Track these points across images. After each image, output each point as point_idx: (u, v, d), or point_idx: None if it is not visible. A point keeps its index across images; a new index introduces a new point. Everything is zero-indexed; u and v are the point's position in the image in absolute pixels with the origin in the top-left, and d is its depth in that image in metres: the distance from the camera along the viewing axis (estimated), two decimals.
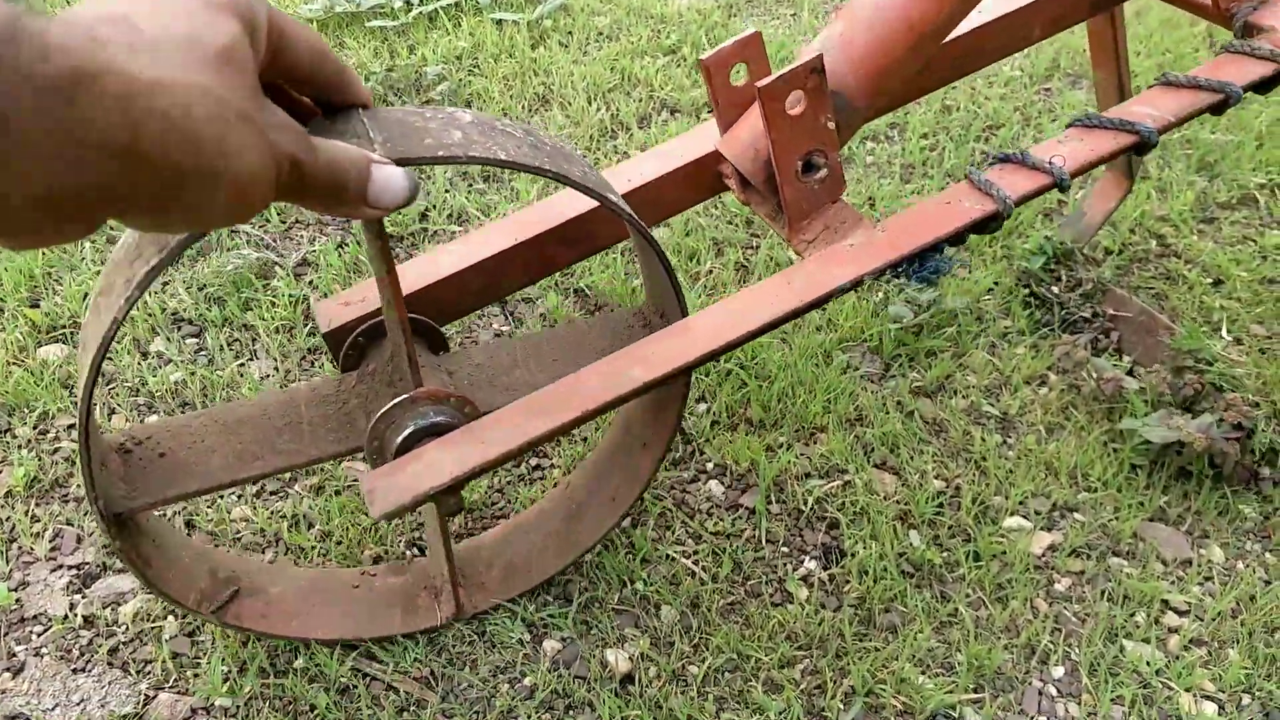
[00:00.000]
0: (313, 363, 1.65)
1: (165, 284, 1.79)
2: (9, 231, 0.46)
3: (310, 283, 1.78)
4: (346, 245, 1.85)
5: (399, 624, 1.27)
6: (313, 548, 1.39)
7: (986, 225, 1.05)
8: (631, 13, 2.66)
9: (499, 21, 2.59)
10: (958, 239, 1.04)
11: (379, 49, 2.47)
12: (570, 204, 1.14)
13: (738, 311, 1.01)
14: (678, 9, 2.69)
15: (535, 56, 2.44)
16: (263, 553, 1.40)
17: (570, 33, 2.56)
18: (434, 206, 1.96)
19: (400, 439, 0.96)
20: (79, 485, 1.45)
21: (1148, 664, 1.30)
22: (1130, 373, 1.66)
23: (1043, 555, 1.43)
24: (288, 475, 1.48)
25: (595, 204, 1.12)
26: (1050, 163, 1.06)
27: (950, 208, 1.05)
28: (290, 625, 1.22)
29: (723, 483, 1.50)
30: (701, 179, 1.19)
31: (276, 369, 1.63)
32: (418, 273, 1.09)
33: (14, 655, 1.27)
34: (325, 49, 0.68)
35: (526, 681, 1.26)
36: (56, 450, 1.51)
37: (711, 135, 1.18)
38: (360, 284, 1.11)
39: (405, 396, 0.97)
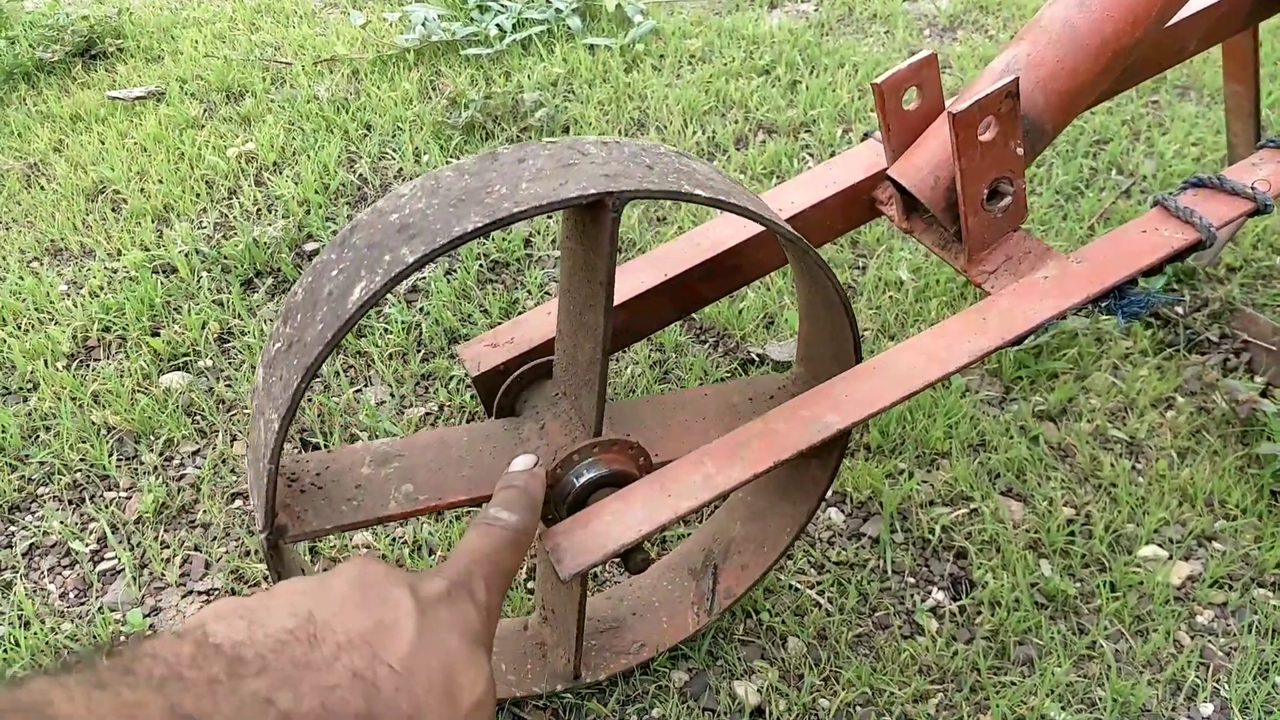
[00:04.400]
0: (426, 389, 1.66)
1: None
2: None
3: (421, 309, 1.80)
4: (455, 272, 1.87)
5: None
6: None
7: (1186, 254, 1.01)
8: (723, 34, 2.66)
9: (591, 47, 2.60)
10: (1155, 270, 1.00)
11: (475, 76, 2.50)
12: (718, 236, 1.12)
13: (932, 350, 0.96)
14: (769, 29, 2.68)
15: (629, 81, 2.45)
16: None
17: (663, 56, 2.57)
18: (537, 233, 1.97)
19: (579, 485, 0.94)
20: (205, 511, 1.48)
21: None
22: (1264, 394, 1.59)
23: (1182, 586, 1.38)
24: None
25: (744, 236, 1.10)
26: (1253, 187, 1.01)
27: (1148, 237, 1.01)
28: (764, 554, 1.24)
29: (843, 510, 1.47)
30: (854, 206, 1.16)
31: (392, 395, 1.65)
32: None
33: None
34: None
35: (655, 713, 1.24)
36: (182, 477, 1.54)
37: (861, 162, 1.15)
38: (506, 323, 1.10)
39: (586, 443, 0.94)
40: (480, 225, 0.73)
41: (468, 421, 1.60)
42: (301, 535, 0.92)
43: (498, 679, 1.24)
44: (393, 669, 0.49)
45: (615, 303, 1.10)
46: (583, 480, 0.93)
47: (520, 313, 1.79)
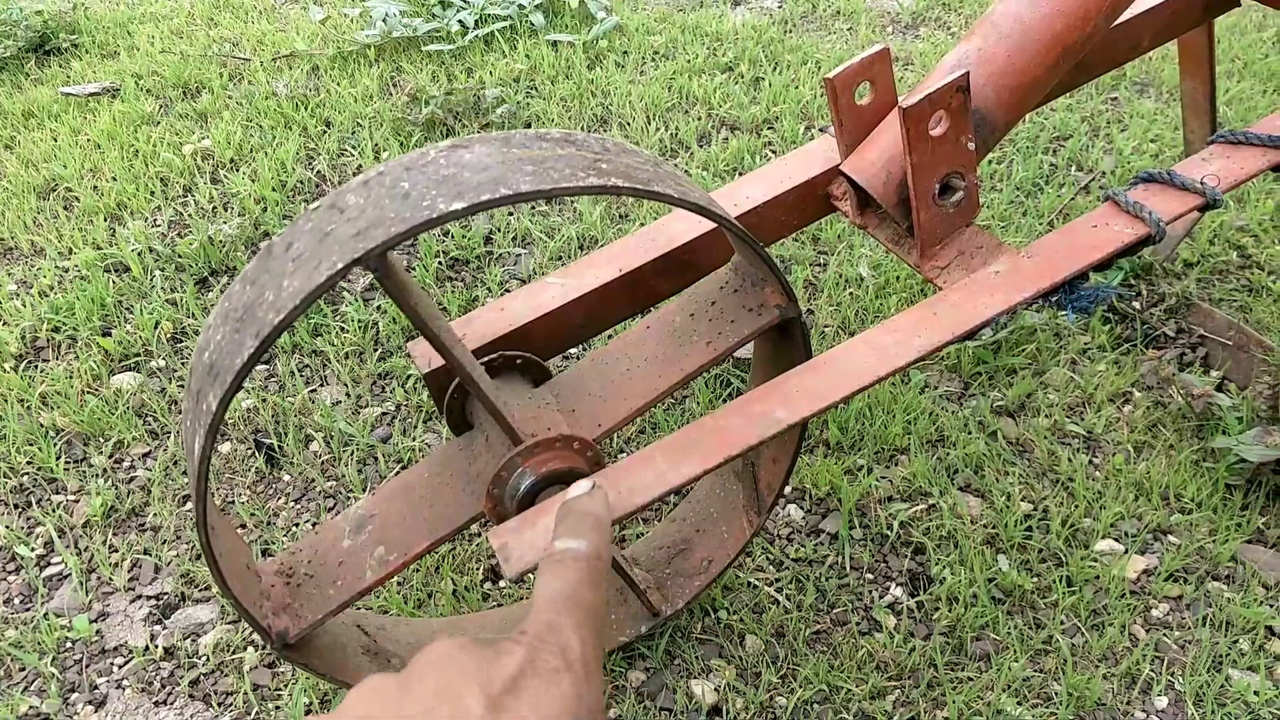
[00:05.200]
0: (383, 388, 1.64)
1: None
2: None
3: (379, 307, 1.78)
4: (413, 269, 1.85)
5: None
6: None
7: (1136, 248, 1.01)
8: (686, 31, 2.65)
9: (554, 43, 2.59)
10: (1106, 264, 0.99)
11: (436, 73, 2.48)
12: (672, 232, 1.11)
13: (883, 345, 0.96)
14: (733, 26, 2.67)
15: (592, 77, 2.43)
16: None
17: (626, 53, 2.56)
18: (498, 230, 1.95)
19: (519, 498, 0.92)
20: (156, 514, 1.45)
21: (1255, 694, 1.25)
22: (1220, 388, 1.60)
23: (1138, 579, 1.38)
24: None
25: (697, 232, 1.09)
26: (1202, 182, 1.01)
27: (1099, 231, 1.01)
28: (786, 443, 1.21)
29: (802, 507, 1.47)
30: (809, 202, 1.16)
31: (348, 394, 1.63)
32: (522, 308, 1.07)
33: (96, 688, 1.27)
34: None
35: (612, 714, 1.23)
36: (132, 479, 1.51)
37: (817, 157, 1.15)
38: (457, 319, 1.09)
39: (508, 457, 0.91)
40: (253, 350, 0.73)
41: (424, 422, 1.58)
42: (302, 631, 0.92)
43: None
44: None
45: (572, 297, 1.09)
46: (520, 492, 0.92)
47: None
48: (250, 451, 1.54)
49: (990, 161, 2.11)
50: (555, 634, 0.51)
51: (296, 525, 1.44)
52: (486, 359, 1.05)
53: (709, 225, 1.12)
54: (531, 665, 0.48)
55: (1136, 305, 1.76)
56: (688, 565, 1.28)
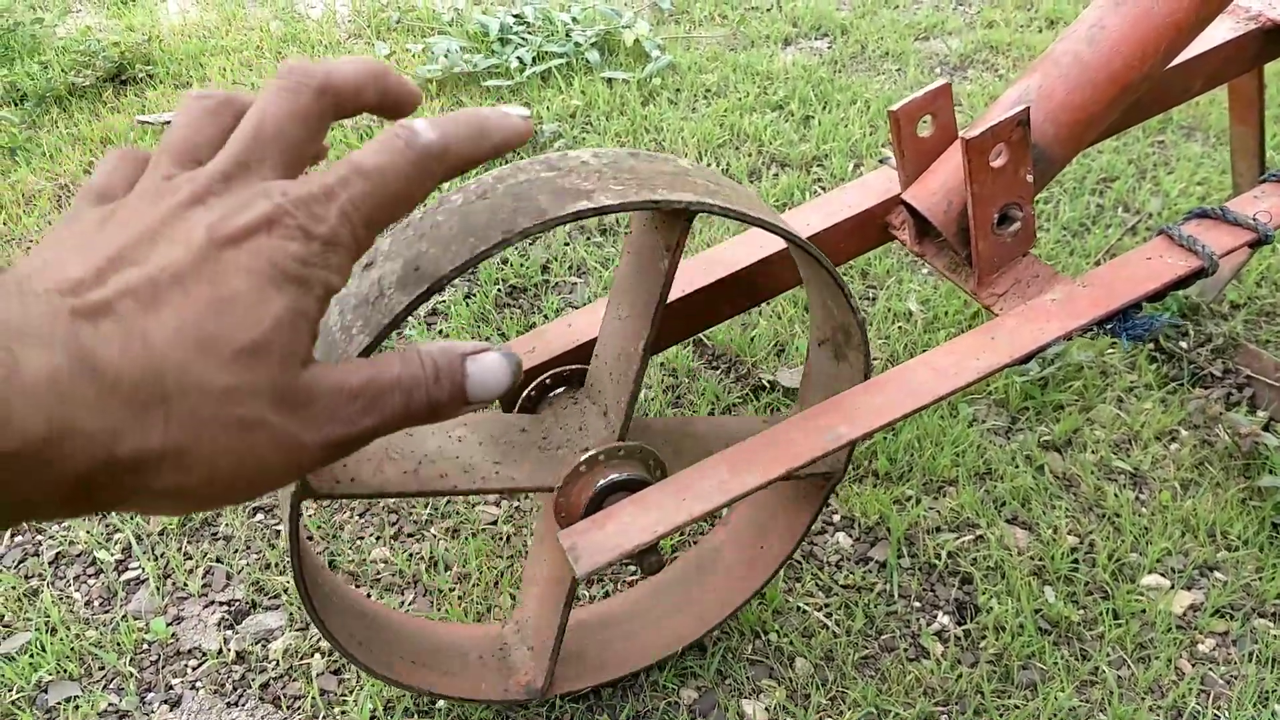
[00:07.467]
0: None
1: None
2: None
3: (440, 332, 1.84)
4: (474, 296, 1.91)
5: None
6: (450, 589, 1.42)
7: (1189, 281, 1.04)
8: (738, 70, 2.72)
9: (609, 80, 2.66)
10: (1159, 295, 1.03)
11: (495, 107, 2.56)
12: (733, 256, 1.16)
13: (942, 367, 1.00)
14: (783, 65, 2.73)
15: (646, 114, 2.50)
16: (401, 594, 1.44)
17: (679, 90, 2.63)
18: (555, 259, 2.01)
19: (597, 488, 0.98)
20: (228, 525, 1.52)
21: None
22: (1267, 428, 1.62)
23: (1184, 615, 1.40)
24: (424, 518, 1.52)
25: (760, 256, 1.14)
26: (1254, 218, 1.05)
27: (1153, 263, 1.05)
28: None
29: (851, 535, 1.50)
30: (868, 230, 1.20)
31: None
32: (588, 324, 1.12)
33: (171, 688, 1.32)
34: (376, 77, 0.44)
35: None
36: None
37: (875, 188, 1.20)
38: (527, 334, 1.14)
39: (609, 447, 0.98)
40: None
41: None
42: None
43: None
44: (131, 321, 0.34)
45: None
46: (595, 490, 0.98)
47: None
48: None
49: (1037, 201, 2.14)
50: (324, 205, 0.39)
51: (361, 539, 1.50)
52: (554, 371, 1.11)
53: (769, 250, 1.17)
54: (272, 222, 0.38)
55: (1183, 345, 1.78)
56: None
